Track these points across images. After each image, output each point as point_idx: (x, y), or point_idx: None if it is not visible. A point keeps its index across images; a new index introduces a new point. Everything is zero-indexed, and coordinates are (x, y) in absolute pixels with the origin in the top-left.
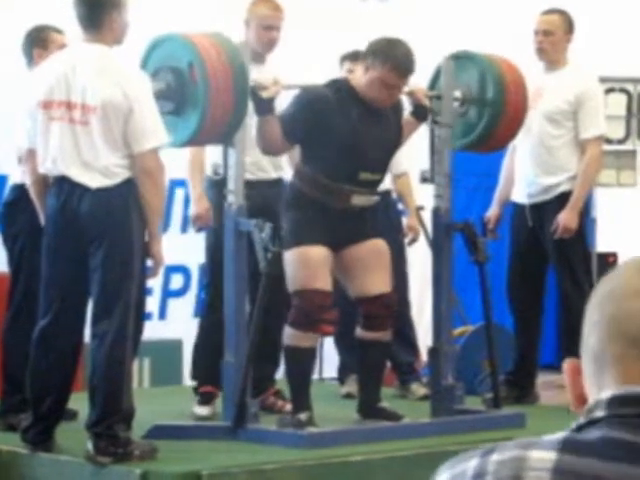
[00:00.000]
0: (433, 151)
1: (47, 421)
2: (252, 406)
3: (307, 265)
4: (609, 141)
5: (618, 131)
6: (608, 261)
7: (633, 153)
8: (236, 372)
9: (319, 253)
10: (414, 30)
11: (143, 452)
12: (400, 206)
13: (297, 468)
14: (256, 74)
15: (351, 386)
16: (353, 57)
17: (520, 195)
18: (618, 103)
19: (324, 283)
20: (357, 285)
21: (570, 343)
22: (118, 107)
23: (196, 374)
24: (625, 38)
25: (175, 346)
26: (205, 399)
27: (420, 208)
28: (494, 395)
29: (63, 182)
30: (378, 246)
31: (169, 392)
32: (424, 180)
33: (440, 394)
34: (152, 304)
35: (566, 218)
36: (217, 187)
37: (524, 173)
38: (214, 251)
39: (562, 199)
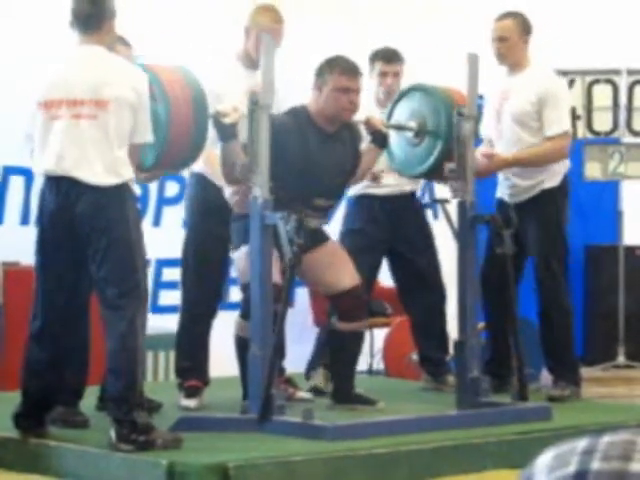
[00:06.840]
0: (457, 146)
1: (36, 408)
2: (278, 398)
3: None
4: (636, 133)
5: None
6: (635, 254)
7: None
8: (262, 365)
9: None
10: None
11: (166, 441)
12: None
13: (322, 460)
14: (248, 79)
15: (317, 379)
16: (387, 58)
17: (503, 193)
18: None
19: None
20: (326, 284)
21: (549, 343)
22: (130, 101)
23: (180, 371)
24: None
25: None
26: (191, 393)
27: (445, 201)
28: (520, 388)
29: (61, 180)
30: (331, 246)
31: None
32: (450, 173)
33: (466, 387)
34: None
35: (499, 158)
36: (200, 183)
37: (505, 174)
38: (187, 246)
39: (543, 195)
